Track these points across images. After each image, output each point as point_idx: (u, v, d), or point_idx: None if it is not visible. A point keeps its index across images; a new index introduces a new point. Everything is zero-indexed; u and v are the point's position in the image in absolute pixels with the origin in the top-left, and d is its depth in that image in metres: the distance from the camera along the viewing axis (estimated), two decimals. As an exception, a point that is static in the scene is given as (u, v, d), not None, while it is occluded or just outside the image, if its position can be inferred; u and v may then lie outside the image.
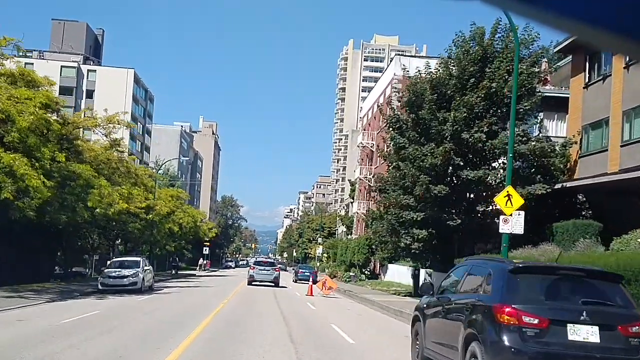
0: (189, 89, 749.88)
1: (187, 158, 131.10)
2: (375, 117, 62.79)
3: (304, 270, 55.31)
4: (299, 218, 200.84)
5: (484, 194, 29.40)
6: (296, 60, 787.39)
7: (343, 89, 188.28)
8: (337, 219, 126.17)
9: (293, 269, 60.25)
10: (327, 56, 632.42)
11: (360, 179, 63.91)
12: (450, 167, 29.36)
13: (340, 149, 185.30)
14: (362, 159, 65.05)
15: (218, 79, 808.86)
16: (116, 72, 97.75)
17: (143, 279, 29.04)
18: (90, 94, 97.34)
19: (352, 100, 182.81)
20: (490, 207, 29.03)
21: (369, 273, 53.00)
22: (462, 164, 28.96)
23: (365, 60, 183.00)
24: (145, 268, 30.36)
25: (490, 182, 28.33)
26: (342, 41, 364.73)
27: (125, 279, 28.27)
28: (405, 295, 32.84)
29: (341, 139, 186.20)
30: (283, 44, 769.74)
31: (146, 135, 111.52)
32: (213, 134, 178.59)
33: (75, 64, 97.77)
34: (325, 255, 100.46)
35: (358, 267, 54.03)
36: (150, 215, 44.55)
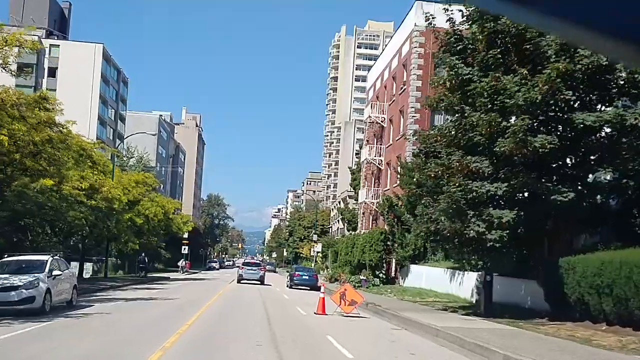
0: (172, 80, 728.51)
1: (163, 148, 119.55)
2: (385, 87, 51.63)
3: (301, 273, 43.98)
4: (287, 217, 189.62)
5: (608, 151, 18.16)
6: (284, 49, 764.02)
7: (335, 79, 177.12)
8: (336, 212, 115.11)
9: (287, 272, 48.52)
10: (318, 43, 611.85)
11: (368, 162, 52.66)
12: (556, 108, 18.11)
13: (332, 142, 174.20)
14: (369, 139, 53.86)
15: (203, 70, 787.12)
16: (82, 47, 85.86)
17: (47, 292, 17.40)
18: (52, 72, 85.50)
19: (345, 90, 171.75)
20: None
21: (383, 276, 41.91)
22: (574, 100, 17.79)
23: (359, 47, 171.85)
24: (57, 273, 18.65)
25: (626, 128, 17.09)
26: (334, 27, 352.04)
27: (12, 293, 16.72)
28: (467, 314, 21.52)
29: (333, 132, 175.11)
30: (271, 30, 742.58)
31: (119, 122, 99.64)
32: (197, 126, 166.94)
33: (36, 38, 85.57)
34: (320, 254, 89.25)
35: (369, 269, 42.89)
36: (96, 201, 33.03)
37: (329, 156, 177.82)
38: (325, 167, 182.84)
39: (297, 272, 43.84)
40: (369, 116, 52.08)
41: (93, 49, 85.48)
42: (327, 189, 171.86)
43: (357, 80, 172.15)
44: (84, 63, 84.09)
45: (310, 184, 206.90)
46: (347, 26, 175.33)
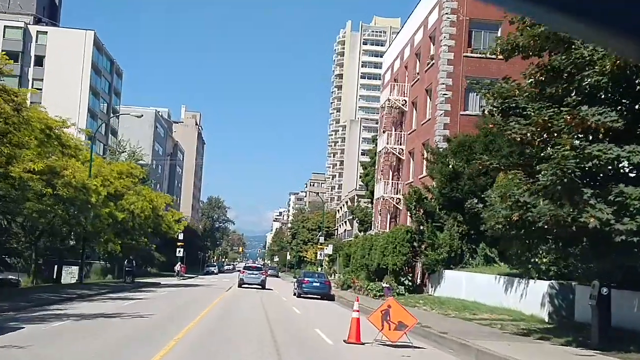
0: (170, 77, 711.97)
1: (160, 146, 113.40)
2: (406, 67, 45.09)
3: (311, 280, 37.30)
4: (289, 220, 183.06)
5: None
6: (286, 47, 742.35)
7: (340, 76, 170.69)
8: (343, 213, 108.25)
9: (295, 278, 41.76)
10: (322, 40, 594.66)
11: (386, 152, 46.07)
12: None
13: (337, 142, 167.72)
14: (386, 126, 47.29)
15: (202, 68, 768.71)
16: (72, 34, 79.39)
17: None
18: (39, 61, 79.10)
19: (350, 88, 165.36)
20: None
21: (410, 284, 35.28)
22: None
23: (365, 43, 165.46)
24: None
25: None
26: (339, 23, 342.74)
27: None
28: (566, 343, 14.76)
29: (337, 131, 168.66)
30: (273, 26, 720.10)
31: (112, 115, 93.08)
32: (196, 124, 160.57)
33: (22, 24, 79.36)
34: (327, 258, 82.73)
35: (392, 275, 36.29)
36: (59, 189, 26.48)
37: (334, 156, 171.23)
38: (330, 167, 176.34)
39: (306, 279, 37.19)
40: (388, 99, 45.50)
41: (83, 36, 79.05)
42: (331, 190, 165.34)
43: (362, 77, 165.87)
44: (74, 51, 77.74)
45: (313, 185, 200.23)
46: (352, 22, 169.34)
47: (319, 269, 73.89)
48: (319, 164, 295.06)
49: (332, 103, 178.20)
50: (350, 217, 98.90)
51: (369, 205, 62.58)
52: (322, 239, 74.30)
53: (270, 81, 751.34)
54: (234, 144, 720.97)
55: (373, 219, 54.08)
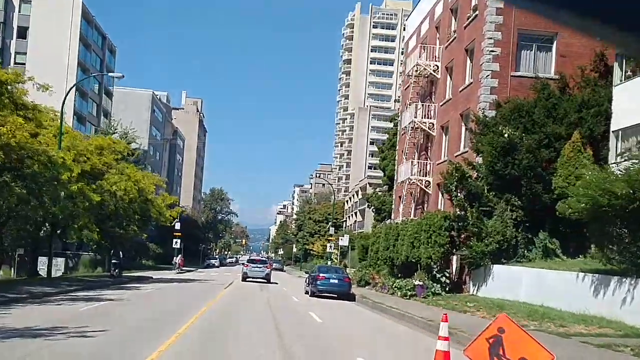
0: (171, 64, 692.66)
1: (158, 131, 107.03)
2: (438, 27, 38.51)
3: (328, 276, 30.60)
4: (295, 212, 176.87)
5: None
6: (294, 30, 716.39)
7: (348, 61, 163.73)
8: (352, 204, 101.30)
9: (307, 273, 34.84)
10: (330, 24, 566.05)
11: (413, 128, 39.50)
12: None
13: (345, 130, 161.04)
14: (412, 98, 40.70)
15: (204, 52, 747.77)
16: (57, 3, 72.55)
17: None
18: (22, 33, 72.51)
19: (359, 74, 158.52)
20: None
21: (447, 281, 28.78)
22: None
23: (375, 27, 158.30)
24: None
25: None
26: (348, 5, 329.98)
27: None
28: None
29: (345, 119, 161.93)
30: (277, 9, 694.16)
31: (104, 96, 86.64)
32: (198, 111, 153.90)
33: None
34: (337, 251, 76.29)
35: (424, 270, 29.81)
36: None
37: (341, 145, 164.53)
38: (337, 157, 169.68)
39: (321, 274, 30.57)
40: (416, 66, 38.84)
41: (70, 5, 72.29)
42: (338, 181, 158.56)
43: (372, 63, 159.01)
44: (60, 22, 71.15)
45: (319, 176, 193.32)
46: (361, 4, 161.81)
47: (329, 262, 67.48)
48: (326, 156, 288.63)
49: (339, 90, 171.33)
50: (362, 208, 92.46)
51: (386, 193, 56.07)
52: (332, 230, 67.71)
53: (275, 70, 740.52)
54: (237, 135, 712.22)
55: (393, 206, 47.54)
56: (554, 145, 26.09)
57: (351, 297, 29.94)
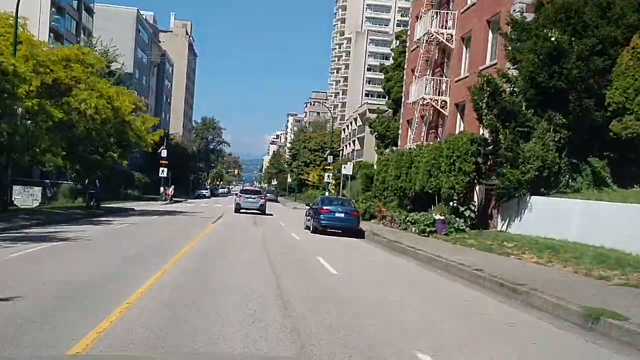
0: None
1: (144, 53, 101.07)
2: None
3: (333, 209, 26.05)
4: (289, 141, 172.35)
5: None
6: None
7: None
8: (349, 132, 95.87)
9: (309, 207, 29.47)
10: None
11: (428, 40, 34.53)
12: None
13: (341, 56, 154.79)
14: (426, 4, 35.53)
15: None
16: None
17: None
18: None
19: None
20: None
21: (472, 215, 24.56)
22: None
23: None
24: None
25: None
26: None
27: None
28: None
29: (342, 44, 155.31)
30: None
31: (84, 13, 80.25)
32: (187, 34, 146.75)
33: None
34: (334, 182, 72.21)
35: (445, 202, 25.58)
36: None
37: (337, 72, 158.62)
38: (333, 84, 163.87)
39: (325, 207, 26.11)
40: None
41: None
42: (334, 109, 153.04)
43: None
44: None
45: (314, 104, 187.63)
46: None
47: (326, 193, 63.39)
48: (321, 86, 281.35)
49: (335, 13, 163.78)
50: (360, 136, 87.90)
51: (391, 118, 51.44)
52: (330, 159, 63.32)
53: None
54: (228, 62, 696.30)
55: (400, 132, 43.02)
56: (609, 52, 21.41)
57: (360, 234, 25.75)
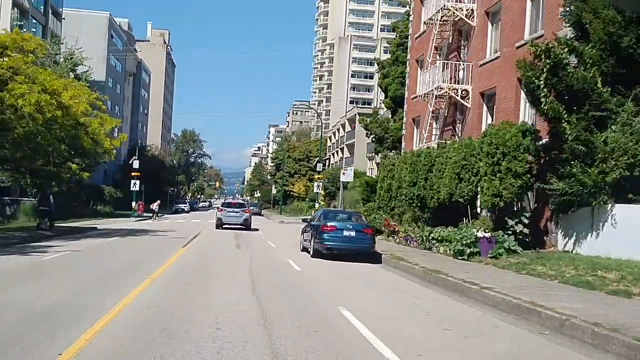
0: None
1: (118, 61, 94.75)
2: None
3: (340, 226, 19.81)
4: (273, 150, 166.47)
5: None
6: None
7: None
8: (336, 140, 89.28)
9: (307, 223, 21.61)
10: None
11: (442, 19, 28.71)
12: None
13: (324, 63, 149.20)
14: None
15: None
16: None
17: None
18: None
19: (338, 1, 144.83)
20: None
21: (525, 231, 18.65)
22: None
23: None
24: None
25: None
26: None
27: None
28: None
29: (324, 50, 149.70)
30: None
31: (52, 17, 73.80)
32: (165, 43, 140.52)
33: None
34: (323, 192, 66.34)
35: (490, 215, 19.68)
36: None
37: (320, 79, 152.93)
38: (315, 92, 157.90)
39: (328, 223, 19.94)
40: None
41: None
42: (317, 118, 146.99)
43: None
44: None
45: (296, 114, 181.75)
46: None
47: (316, 205, 57.41)
48: (303, 93, 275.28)
49: (317, 19, 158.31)
50: (350, 142, 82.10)
51: (390, 118, 45.61)
52: (319, 166, 57.34)
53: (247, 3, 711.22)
54: (206, 74, 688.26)
55: (404, 132, 37.17)
56: None
57: (376, 257, 19.69)
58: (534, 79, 17.51)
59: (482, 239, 18.17)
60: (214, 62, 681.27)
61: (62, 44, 60.46)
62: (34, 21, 68.74)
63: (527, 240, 18.85)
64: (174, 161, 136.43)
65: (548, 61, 17.10)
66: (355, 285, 13.85)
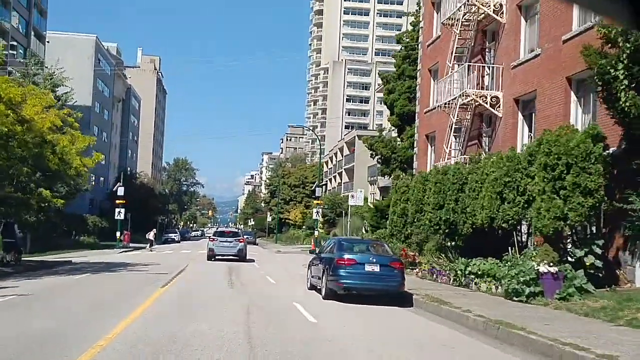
0: (121, 13, 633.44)
1: (105, 85, 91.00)
2: None
3: (360, 258, 15.66)
4: (263, 180, 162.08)
5: None
6: None
7: (320, 12, 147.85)
8: (332, 166, 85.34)
9: (316, 255, 17.45)
10: None
11: (466, 18, 24.92)
12: None
13: (318, 87, 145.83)
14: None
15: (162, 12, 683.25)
16: None
17: None
18: None
19: (332, 25, 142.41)
20: None
21: (599, 264, 14.70)
22: None
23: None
24: None
25: None
26: None
27: None
28: None
29: (318, 75, 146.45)
30: None
31: (34, 39, 70.17)
32: (155, 69, 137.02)
33: None
34: (321, 219, 62.22)
35: (553, 243, 15.84)
36: None
37: (314, 104, 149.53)
38: (310, 117, 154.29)
39: (346, 256, 15.52)
40: None
41: None
42: (311, 143, 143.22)
43: (346, 13, 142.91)
44: None
45: (290, 140, 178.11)
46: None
47: (315, 233, 53.27)
48: (297, 119, 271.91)
49: (310, 44, 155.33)
50: (349, 166, 78.25)
51: (395, 138, 41.76)
52: (318, 191, 53.29)
53: (241, 27, 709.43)
54: (198, 102, 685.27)
55: (415, 151, 33.26)
56: None
57: (406, 299, 15.53)
58: (609, 68, 13.64)
59: (545, 275, 14.11)
60: (207, 90, 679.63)
61: (46, 67, 56.65)
62: (14, 43, 65.07)
63: (600, 275, 14.80)
64: (166, 189, 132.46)
65: (628, 45, 13.25)
66: (402, 354, 9.59)
